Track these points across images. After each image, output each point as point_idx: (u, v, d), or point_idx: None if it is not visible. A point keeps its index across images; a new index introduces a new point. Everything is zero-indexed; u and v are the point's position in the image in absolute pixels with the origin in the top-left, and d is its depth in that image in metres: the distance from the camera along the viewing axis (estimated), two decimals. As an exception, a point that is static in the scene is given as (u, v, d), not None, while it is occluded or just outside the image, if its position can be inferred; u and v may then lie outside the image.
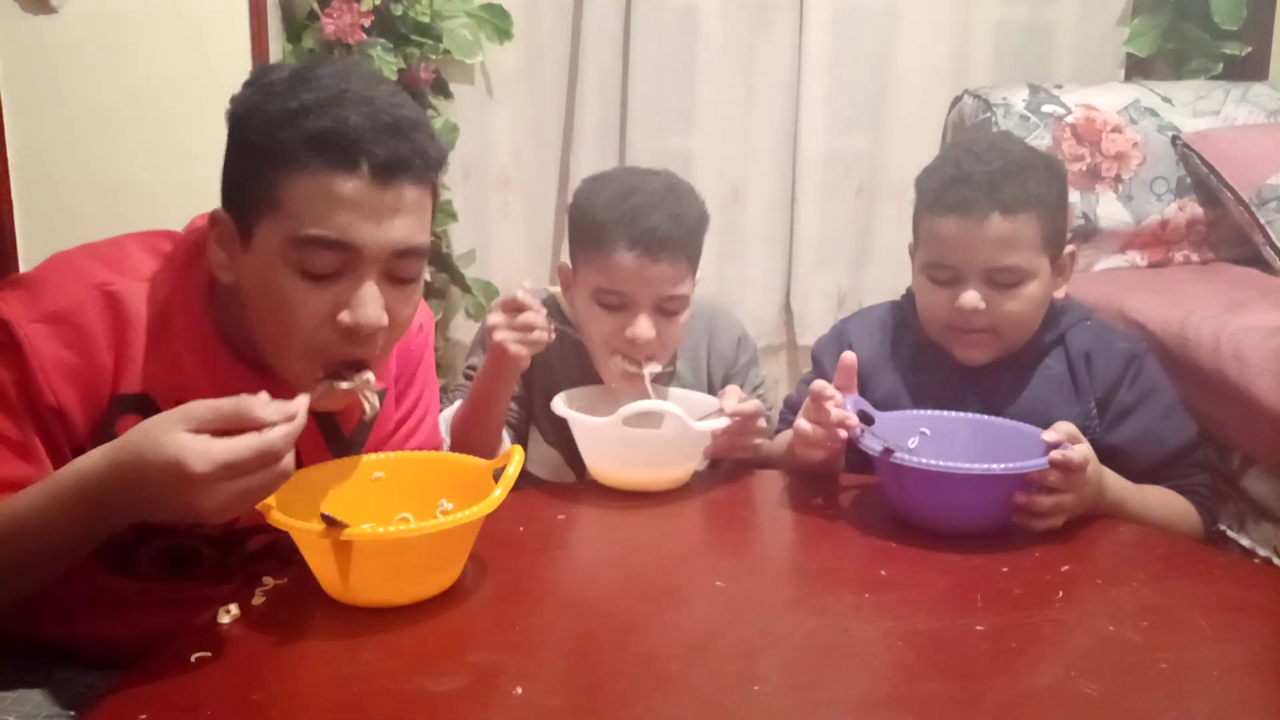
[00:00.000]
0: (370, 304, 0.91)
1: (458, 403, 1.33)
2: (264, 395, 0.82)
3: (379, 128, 0.88)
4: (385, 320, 0.92)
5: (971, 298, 1.27)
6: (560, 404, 1.26)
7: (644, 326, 1.28)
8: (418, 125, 0.92)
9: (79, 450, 0.89)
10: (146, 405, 0.92)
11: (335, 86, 0.89)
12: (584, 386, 1.34)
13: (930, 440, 1.22)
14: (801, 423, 1.20)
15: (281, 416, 0.81)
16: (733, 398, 1.25)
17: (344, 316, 0.91)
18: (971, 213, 1.26)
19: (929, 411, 1.26)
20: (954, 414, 1.25)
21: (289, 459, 0.82)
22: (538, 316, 1.19)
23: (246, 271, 0.93)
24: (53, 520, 0.83)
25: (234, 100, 0.93)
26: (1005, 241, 1.26)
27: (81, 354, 0.90)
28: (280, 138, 0.88)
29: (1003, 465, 1.08)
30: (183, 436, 0.78)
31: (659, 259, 1.25)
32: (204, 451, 0.78)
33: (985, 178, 1.27)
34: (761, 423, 1.27)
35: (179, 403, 0.89)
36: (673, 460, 1.23)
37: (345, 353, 0.94)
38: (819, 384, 1.18)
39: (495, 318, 1.19)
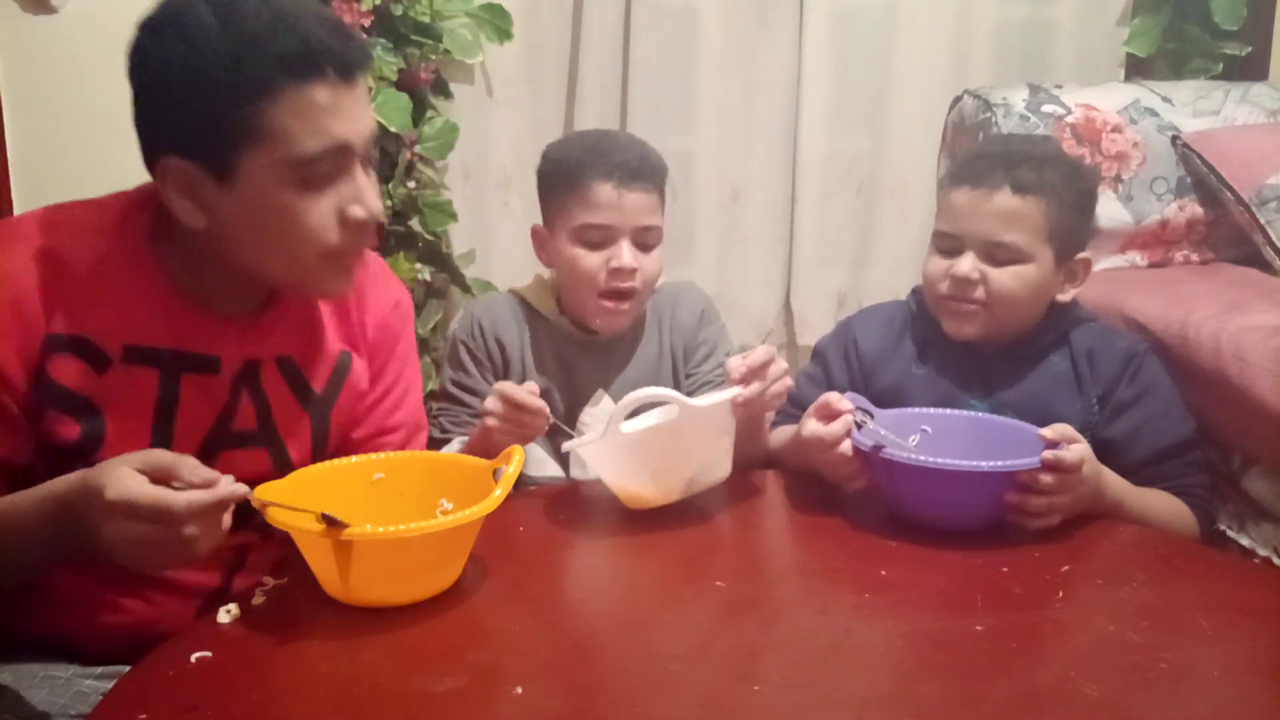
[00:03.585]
0: (369, 193, 0.97)
1: (455, 443, 1.35)
2: (194, 462, 0.84)
3: (329, 33, 0.93)
4: (382, 207, 0.99)
5: (966, 265, 1.30)
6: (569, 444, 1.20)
7: (628, 254, 1.35)
8: (346, 24, 1.00)
9: (27, 407, 0.94)
10: (84, 345, 0.95)
11: (269, 8, 0.91)
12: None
13: (932, 438, 1.22)
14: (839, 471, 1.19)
15: (198, 480, 0.83)
16: (736, 368, 1.18)
17: (355, 211, 0.96)
18: (984, 183, 1.31)
19: (932, 410, 1.26)
20: (956, 412, 1.25)
21: (192, 530, 0.83)
22: (535, 418, 1.19)
23: (231, 207, 0.94)
24: (26, 526, 0.87)
25: (153, 53, 0.92)
26: (1009, 217, 1.29)
27: (13, 313, 0.93)
28: (251, 71, 0.89)
29: (989, 463, 1.09)
30: (122, 468, 0.82)
31: (634, 187, 1.35)
32: (119, 482, 0.81)
33: (1006, 157, 1.33)
34: (780, 364, 1.20)
35: (125, 345, 0.96)
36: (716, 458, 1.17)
37: (354, 246, 0.98)
38: (818, 431, 1.17)
39: (493, 404, 1.19)
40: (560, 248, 1.40)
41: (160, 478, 0.83)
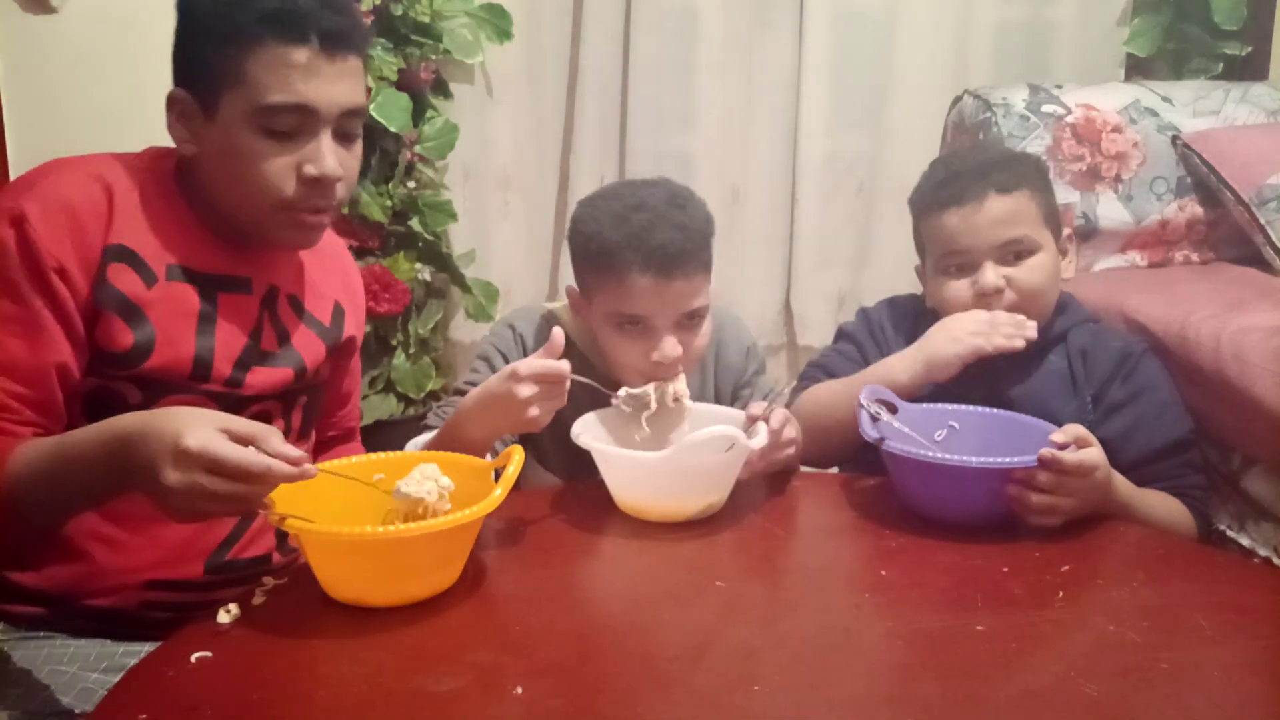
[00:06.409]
0: (329, 156, 1.04)
1: (425, 435, 1.23)
2: (278, 436, 0.87)
3: (322, 4, 1.02)
4: (341, 171, 1.05)
5: (990, 277, 1.31)
6: (588, 438, 1.17)
7: (670, 346, 1.22)
8: (350, 3, 1.07)
9: (85, 309, 1.00)
10: (131, 256, 1.03)
11: None
12: (591, 413, 1.25)
13: (960, 434, 1.23)
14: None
15: (275, 453, 0.85)
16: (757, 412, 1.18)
17: (309, 169, 1.03)
18: (968, 199, 1.32)
19: (963, 406, 1.27)
20: (987, 410, 1.26)
21: (258, 493, 0.86)
22: (566, 380, 1.12)
23: (211, 140, 1.04)
24: (86, 460, 0.89)
25: None
26: (1007, 217, 1.32)
27: (72, 218, 1.01)
28: (236, 19, 1.01)
29: (978, 459, 1.09)
30: (206, 426, 0.84)
31: (674, 276, 1.20)
32: (204, 435, 0.83)
33: (974, 169, 1.36)
34: (790, 431, 1.21)
35: (168, 264, 1.05)
36: (717, 485, 1.17)
37: (309, 202, 1.05)
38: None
39: (528, 391, 1.08)
40: (598, 324, 1.27)
41: (241, 441, 0.84)
